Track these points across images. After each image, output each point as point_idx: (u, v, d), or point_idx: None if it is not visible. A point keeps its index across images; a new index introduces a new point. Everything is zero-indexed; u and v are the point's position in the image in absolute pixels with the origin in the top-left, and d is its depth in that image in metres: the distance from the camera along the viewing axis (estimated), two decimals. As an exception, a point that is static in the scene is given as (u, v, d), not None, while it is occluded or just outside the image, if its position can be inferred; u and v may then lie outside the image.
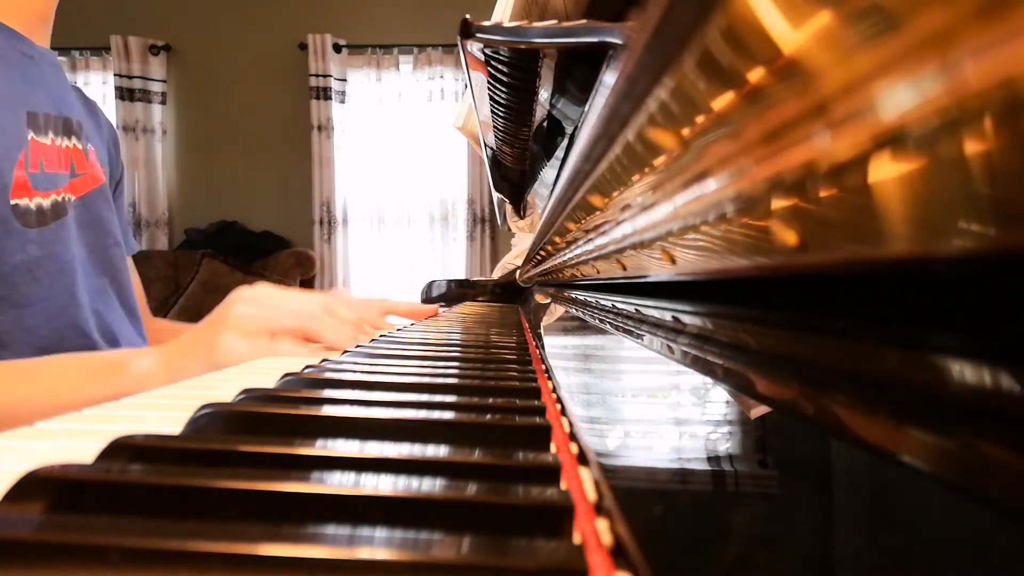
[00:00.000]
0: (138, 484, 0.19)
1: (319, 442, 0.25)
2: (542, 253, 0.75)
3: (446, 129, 3.55)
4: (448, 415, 0.29)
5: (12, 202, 0.66)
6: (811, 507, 0.15)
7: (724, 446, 0.20)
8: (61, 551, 0.15)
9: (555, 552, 0.16)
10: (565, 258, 0.56)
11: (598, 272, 0.43)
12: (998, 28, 0.06)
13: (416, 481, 0.20)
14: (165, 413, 0.31)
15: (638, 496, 0.21)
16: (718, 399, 0.21)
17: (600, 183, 0.28)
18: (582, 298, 0.61)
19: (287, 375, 0.38)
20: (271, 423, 0.28)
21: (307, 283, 3.65)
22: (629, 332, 0.35)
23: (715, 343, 0.22)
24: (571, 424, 0.29)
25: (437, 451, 0.23)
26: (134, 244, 0.96)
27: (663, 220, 0.21)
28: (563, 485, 0.21)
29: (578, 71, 0.48)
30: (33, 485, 0.19)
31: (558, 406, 0.34)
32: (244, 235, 3.80)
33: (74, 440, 0.27)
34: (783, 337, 0.17)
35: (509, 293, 1.50)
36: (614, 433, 0.29)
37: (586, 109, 0.35)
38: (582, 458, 0.25)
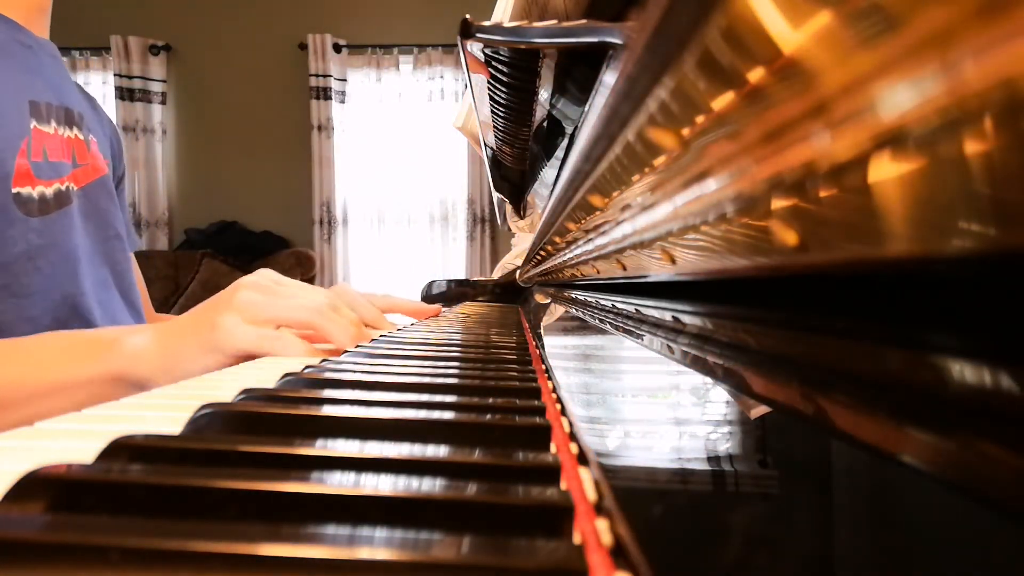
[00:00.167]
0: (138, 484, 0.19)
1: (319, 442, 0.25)
2: (542, 253, 0.75)
3: (446, 129, 3.55)
4: (448, 415, 0.29)
5: (14, 191, 0.66)
6: (811, 507, 0.15)
7: (724, 446, 0.20)
8: (61, 551, 0.15)
9: (555, 552, 0.16)
10: (565, 258, 0.56)
11: (598, 272, 0.43)
12: (998, 28, 0.06)
13: (416, 481, 0.20)
14: (165, 413, 0.31)
15: (638, 496, 0.21)
16: (718, 399, 0.21)
17: (600, 183, 0.28)
18: (582, 298, 0.61)
19: (287, 375, 0.38)
20: (271, 423, 0.28)
21: (307, 283, 3.64)
22: (629, 332, 0.35)
23: (715, 343, 0.22)
24: (571, 424, 0.29)
25: (437, 451, 0.23)
26: (137, 240, 0.96)
27: (663, 220, 0.21)
28: (563, 485, 0.21)
29: (578, 71, 0.48)
30: (33, 485, 0.19)
31: (558, 406, 0.34)
32: (244, 235, 3.81)
33: (74, 440, 0.27)
34: (783, 337, 0.17)
35: (509, 293, 1.50)
36: (614, 433, 0.29)
37: (586, 109, 0.35)
38: (582, 458, 0.25)
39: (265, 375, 0.47)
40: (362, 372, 0.43)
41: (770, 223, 0.13)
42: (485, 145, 0.96)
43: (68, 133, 0.76)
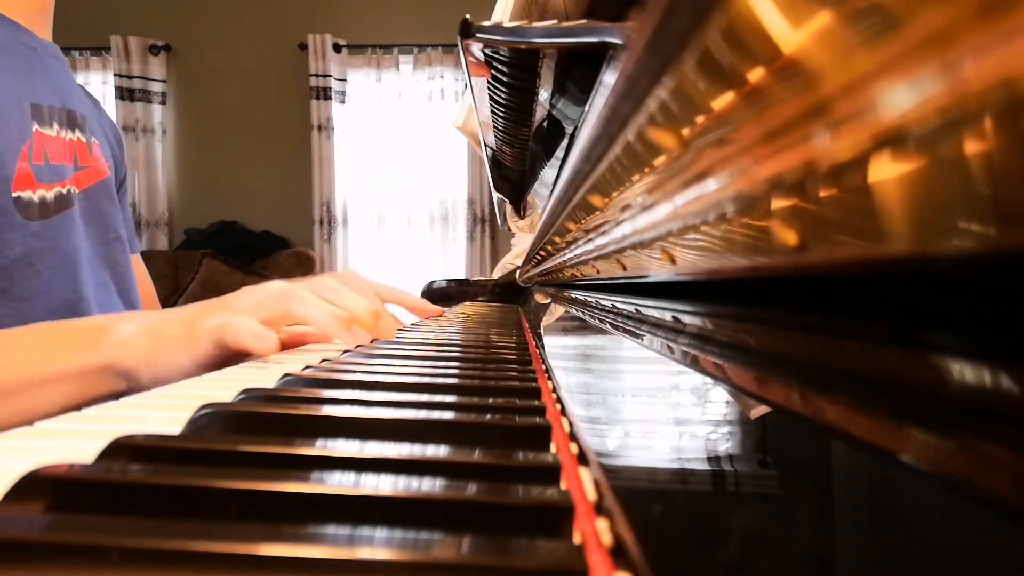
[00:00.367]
0: (138, 484, 0.19)
1: (319, 442, 0.25)
2: (542, 253, 0.75)
3: (446, 129, 3.55)
4: (448, 415, 0.29)
5: (15, 194, 0.66)
6: (811, 507, 0.15)
7: (724, 446, 0.20)
8: (61, 551, 0.15)
9: (555, 552, 0.16)
10: (565, 258, 0.56)
11: (598, 272, 0.43)
12: (998, 28, 0.06)
13: (416, 481, 0.20)
14: (165, 413, 0.31)
15: (638, 496, 0.21)
16: (718, 399, 0.21)
17: (600, 183, 0.28)
18: (582, 298, 0.61)
19: (287, 375, 0.38)
20: (271, 423, 0.28)
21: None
22: (629, 332, 0.35)
23: (715, 343, 0.22)
24: (571, 424, 0.29)
25: (437, 451, 0.23)
26: (137, 244, 0.95)
27: (663, 220, 0.21)
28: (563, 485, 0.21)
29: (578, 71, 0.48)
30: (33, 485, 0.19)
31: (558, 406, 0.34)
32: (244, 235, 3.80)
33: (74, 440, 0.27)
34: (783, 337, 0.17)
35: (509, 293, 1.50)
36: (614, 433, 0.29)
37: (586, 109, 0.35)
38: (582, 458, 0.25)
39: (265, 375, 0.47)
40: (362, 372, 0.43)
41: (770, 223, 0.13)
42: (485, 145, 0.96)
43: (70, 136, 0.76)
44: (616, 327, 0.40)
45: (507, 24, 0.48)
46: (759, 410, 0.18)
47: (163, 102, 3.86)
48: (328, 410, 0.30)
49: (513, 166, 0.97)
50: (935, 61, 0.07)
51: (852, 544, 0.13)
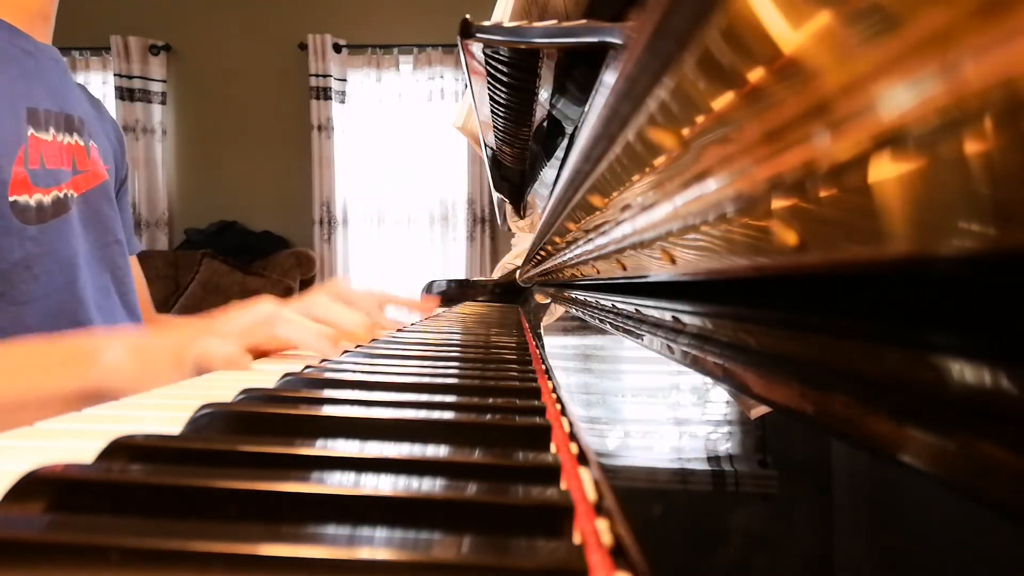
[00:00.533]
0: (138, 484, 0.19)
1: (319, 442, 0.25)
2: (542, 253, 0.75)
3: (446, 129, 3.55)
4: (448, 415, 0.29)
5: (11, 199, 0.66)
6: (811, 507, 0.15)
7: (724, 446, 0.20)
8: (61, 551, 0.15)
9: (555, 552, 0.16)
10: (565, 258, 0.56)
11: (598, 272, 0.43)
12: (998, 28, 0.06)
13: (416, 481, 0.20)
14: (165, 413, 0.31)
15: (638, 496, 0.21)
16: (718, 399, 0.21)
17: (600, 183, 0.28)
18: (582, 298, 0.61)
19: (287, 375, 0.38)
20: (271, 423, 0.28)
21: (307, 283, 3.64)
22: (629, 332, 0.35)
23: (715, 343, 0.22)
24: (571, 424, 0.29)
25: (437, 451, 0.23)
26: (137, 244, 0.95)
27: (663, 220, 0.21)
28: (563, 485, 0.21)
29: (578, 71, 0.48)
30: (33, 485, 0.19)
31: (558, 406, 0.34)
32: (244, 235, 3.80)
33: (74, 440, 0.27)
34: (783, 337, 0.17)
35: (509, 293, 1.50)
36: (614, 433, 0.29)
37: (586, 109, 0.35)
38: (582, 458, 0.25)
39: (265, 376, 0.47)
40: (362, 372, 0.43)
41: (770, 223, 0.13)
42: (485, 145, 0.96)
43: (68, 140, 0.75)
44: (616, 327, 0.40)
45: (507, 24, 0.48)
46: (759, 410, 0.18)
47: (163, 102, 3.86)
48: (328, 410, 0.30)
49: (513, 166, 0.97)
50: (935, 61, 0.07)
51: (852, 544, 0.13)
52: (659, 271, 0.25)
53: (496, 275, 1.64)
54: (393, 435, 0.27)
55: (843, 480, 0.14)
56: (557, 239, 0.55)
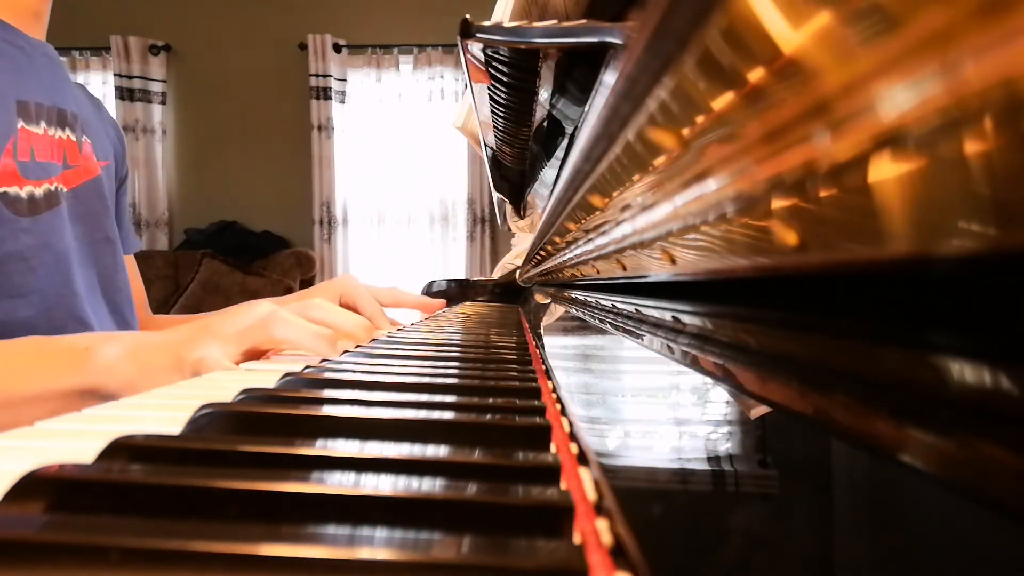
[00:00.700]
0: (138, 484, 0.19)
1: (319, 442, 0.25)
2: (542, 253, 0.75)
3: (446, 129, 3.55)
4: (448, 415, 0.29)
5: (1, 190, 0.66)
6: (811, 507, 0.15)
7: (724, 446, 0.20)
8: (61, 551, 0.15)
9: (555, 552, 0.16)
10: (565, 258, 0.56)
11: (598, 272, 0.43)
12: (998, 28, 0.06)
13: (416, 481, 0.20)
14: (165, 413, 0.31)
15: (638, 496, 0.21)
16: (718, 399, 0.21)
17: (600, 183, 0.28)
18: (582, 298, 0.61)
19: (287, 375, 0.38)
20: (271, 423, 0.28)
21: (307, 283, 3.65)
22: (629, 332, 0.35)
23: (715, 343, 0.22)
24: (571, 424, 0.29)
25: (437, 451, 0.23)
26: (136, 242, 0.95)
27: (663, 220, 0.21)
28: (563, 485, 0.21)
29: (578, 71, 0.48)
30: (33, 485, 0.19)
31: (558, 406, 0.34)
32: (244, 235, 3.80)
33: (74, 440, 0.27)
34: (783, 337, 0.17)
35: (509, 293, 1.50)
36: (614, 433, 0.29)
37: (586, 109, 0.35)
38: (582, 458, 0.25)
39: (265, 376, 0.47)
40: (362, 372, 0.43)
41: (770, 223, 0.13)
42: (485, 145, 0.96)
43: (59, 134, 0.75)
44: (616, 327, 0.40)
45: (507, 24, 0.48)
46: (759, 410, 0.18)
47: (163, 102, 3.86)
48: (328, 410, 0.30)
49: (513, 166, 0.97)
50: (935, 61, 0.07)
51: (852, 544, 0.13)
52: (659, 271, 0.25)
53: (496, 275, 1.64)
54: (393, 435, 0.27)
55: (843, 480, 0.14)
56: (557, 239, 0.55)
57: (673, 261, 0.22)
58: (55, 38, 0.80)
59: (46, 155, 0.73)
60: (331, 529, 0.17)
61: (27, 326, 0.67)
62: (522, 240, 1.51)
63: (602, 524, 0.18)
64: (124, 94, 3.80)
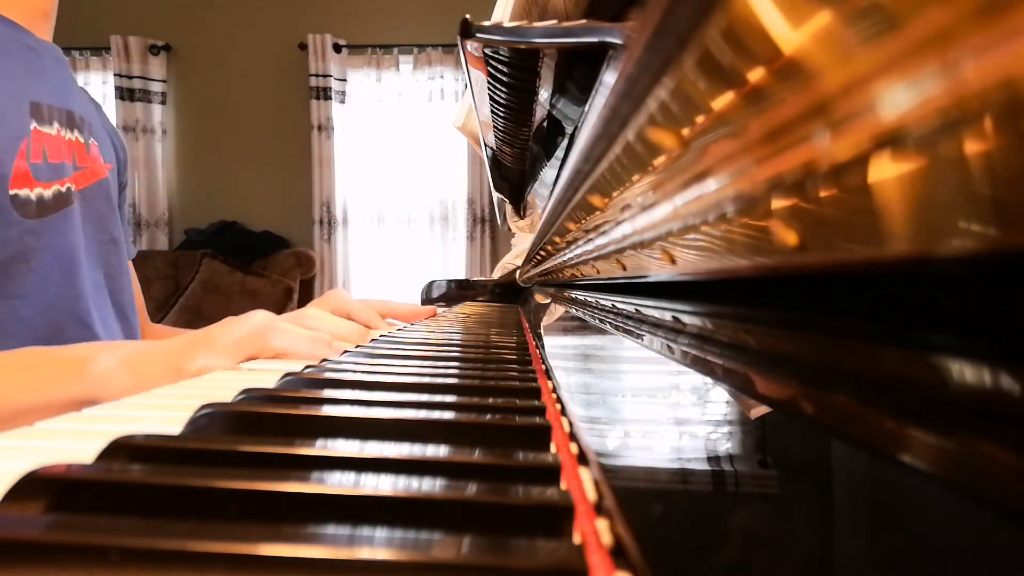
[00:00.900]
0: (138, 484, 0.19)
1: (319, 442, 0.25)
2: (542, 253, 0.75)
3: (446, 129, 3.55)
4: (448, 415, 0.29)
5: (11, 192, 0.66)
6: (811, 507, 0.15)
7: (724, 446, 0.20)
8: (61, 551, 0.15)
9: (555, 552, 0.16)
10: (565, 258, 0.56)
11: (598, 272, 0.43)
12: (998, 28, 0.06)
13: (416, 481, 0.20)
14: (165, 413, 0.31)
15: (638, 496, 0.21)
16: (718, 399, 0.21)
17: (600, 183, 0.28)
18: (582, 298, 0.61)
19: (287, 375, 0.38)
20: (271, 423, 0.28)
21: (307, 283, 3.65)
22: (629, 332, 0.35)
23: (715, 343, 0.22)
24: (571, 424, 0.29)
25: (437, 451, 0.23)
26: (133, 250, 0.95)
27: (663, 220, 0.21)
28: (563, 485, 0.21)
29: (578, 71, 0.48)
30: (33, 485, 0.19)
31: (558, 406, 0.34)
32: (244, 235, 3.80)
33: (74, 440, 0.27)
34: (783, 337, 0.17)
35: (509, 293, 1.50)
36: (614, 433, 0.29)
37: (586, 109, 0.35)
38: (582, 458, 0.25)
39: (265, 376, 0.47)
40: (362, 372, 0.43)
41: (770, 223, 0.13)
42: (485, 145, 0.96)
43: (69, 136, 0.76)
44: (616, 327, 0.40)
45: (507, 24, 0.48)
46: (759, 410, 0.18)
47: (163, 102, 3.86)
48: (328, 410, 0.30)
49: (513, 166, 0.97)
50: (935, 61, 0.07)
51: (852, 544, 0.13)
52: (659, 271, 0.25)
53: (496, 275, 1.64)
54: (393, 435, 0.27)
55: (843, 480, 0.14)
56: (557, 239, 0.55)
57: (673, 261, 0.22)
58: (55, 38, 0.80)
59: (58, 156, 0.73)
60: (331, 529, 0.17)
61: (27, 326, 0.67)
62: (522, 240, 1.51)
63: (602, 524, 0.18)
64: (124, 94, 3.80)
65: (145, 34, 3.80)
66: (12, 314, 0.66)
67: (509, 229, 1.57)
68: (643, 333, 0.32)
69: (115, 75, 3.78)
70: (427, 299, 1.53)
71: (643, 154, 0.20)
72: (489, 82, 0.59)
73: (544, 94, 0.58)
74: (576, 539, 0.17)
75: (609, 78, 0.23)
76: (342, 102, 3.81)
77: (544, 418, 0.29)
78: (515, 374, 0.44)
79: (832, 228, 0.11)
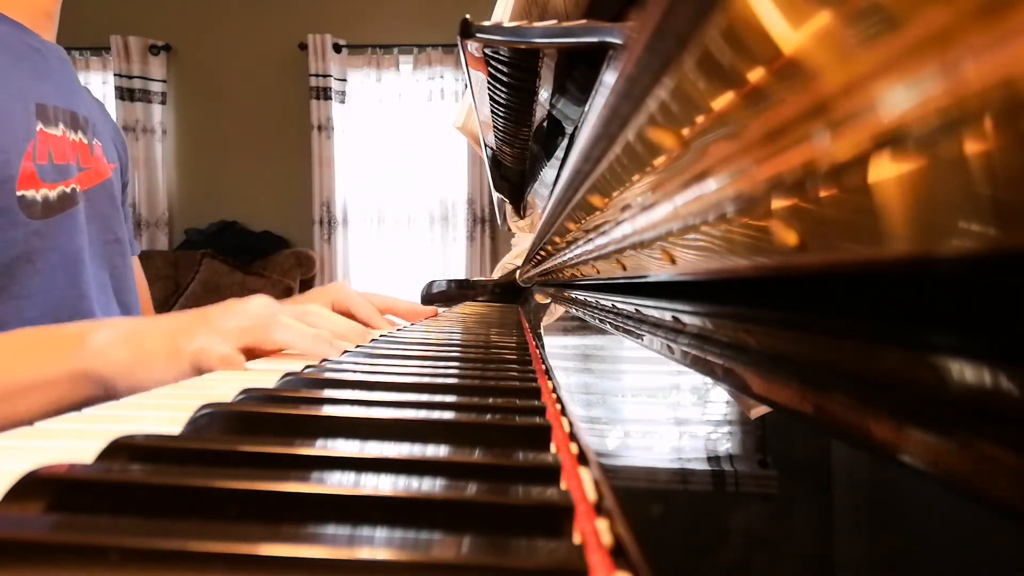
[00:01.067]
0: (138, 484, 0.19)
1: (319, 442, 0.25)
2: (542, 253, 0.75)
3: (446, 129, 3.55)
4: (448, 415, 0.29)
5: (18, 193, 0.66)
6: (811, 507, 0.15)
7: (724, 446, 0.20)
8: (61, 551, 0.15)
9: (555, 552, 0.16)
10: (565, 258, 0.56)
11: (598, 272, 0.43)
12: (998, 28, 0.06)
13: (416, 481, 0.20)
14: (165, 413, 0.31)
15: (638, 496, 0.21)
16: (718, 399, 0.21)
17: (600, 183, 0.28)
18: (582, 298, 0.61)
19: (287, 375, 0.38)
20: (271, 423, 0.28)
21: (307, 283, 3.65)
22: (629, 332, 0.35)
23: (715, 343, 0.22)
24: (571, 424, 0.29)
25: (437, 451, 0.23)
26: (136, 247, 0.95)
27: (663, 220, 0.21)
28: (563, 485, 0.21)
29: (578, 71, 0.48)
30: (33, 485, 0.19)
31: (558, 406, 0.34)
32: (244, 235, 3.80)
33: (74, 440, 0.27)
34: (783, 337, 0.17)
35: (509, 293, 1.50)
36: (614, 433, 0.29)
37: (586, 109, 0.35)
38: (582, 458, 0.25)
39: (265, 376, 0.47)
40: (362, 372, 0.43)
41: (770, 223, 0.13)
42: (485, 145, 0.96)
43: (73, 137, 0.76)
44: (616, 327, 0.40)
45: (507, 24, 0.48)
46: (759, 410, 0.18)
47: (163, 102, 3.86)
48: (328, 410, 0.30)
49: (513, 166, 0.97)
50: (935, 61, 0.07)
51: (852, 544, 0.13)
52: (659, 271, 0.25)
53: (496, 275, 1.64)
54: (393, 435, 0.27)
55: (843, 480, 0.14)
56: (557, 239, 0.55)
57: (673, 261, 0.22)
58: (56, 38, 0.80)
59: (63, 157, 0.73)
60: (331, 529, 0.17)
61: (30, 326, 0.67)
62: (522, 240, 1.51)
63: (602, 524, 0.18)
64: (124, 94, 3.80)
65: (145, 34, 3.80)
66: (17, 315, 0.66)
67: (509, 229, 1.57)
68: (643, 333, 0.32)
69: (115, 75, 3.78)
70: (427, 299, 1.53)
71: (643, 154, 0.20)
72: (489, 82, 0.59)
73: (544, 94, 0.58)
74: (576, 539, 0.17)
75: (609, 78, 0.23)
76: (342, 102, 3.81)
77: (544, 418, 0.29)
78: (515, 374, 0.44)
79: (832, 228, 0.11)
